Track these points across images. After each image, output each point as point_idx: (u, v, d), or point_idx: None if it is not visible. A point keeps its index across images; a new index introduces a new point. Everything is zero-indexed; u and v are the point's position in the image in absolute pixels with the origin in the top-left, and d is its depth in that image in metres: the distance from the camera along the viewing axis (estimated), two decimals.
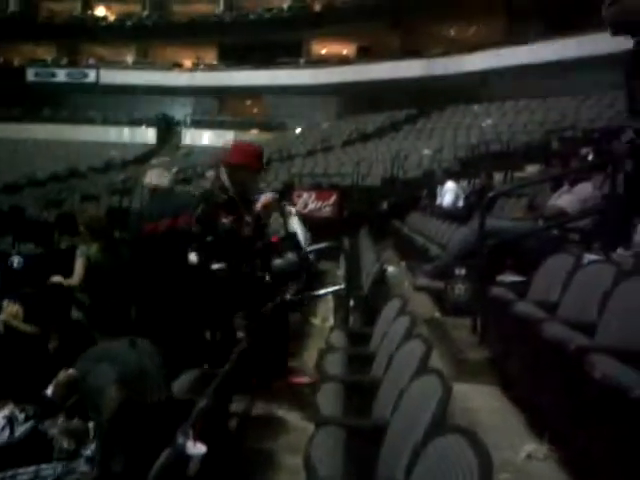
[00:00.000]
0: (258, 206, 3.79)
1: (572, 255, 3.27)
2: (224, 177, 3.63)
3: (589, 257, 3.21)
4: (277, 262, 4.32)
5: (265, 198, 3.94)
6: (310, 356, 4.48)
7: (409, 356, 2.34)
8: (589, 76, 16.89)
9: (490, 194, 5.45)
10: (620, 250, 3.68)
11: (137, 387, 2.35)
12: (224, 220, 3.51)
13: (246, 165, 3.59)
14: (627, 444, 1.80)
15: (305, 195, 12.45)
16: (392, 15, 24.18)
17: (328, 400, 2.43)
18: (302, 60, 28.44)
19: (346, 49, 28.74)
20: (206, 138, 28.92)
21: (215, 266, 3.61)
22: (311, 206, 12.19)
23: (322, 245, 6.14)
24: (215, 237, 3.50)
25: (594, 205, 4.74)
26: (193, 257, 3.66)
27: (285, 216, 5.44)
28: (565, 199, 4.93)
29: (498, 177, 11.80)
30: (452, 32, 25.72)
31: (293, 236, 4.98)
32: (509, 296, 3.19)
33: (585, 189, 4.91)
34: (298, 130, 27.09)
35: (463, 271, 4.91)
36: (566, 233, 4.70)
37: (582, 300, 2.81)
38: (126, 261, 4.14)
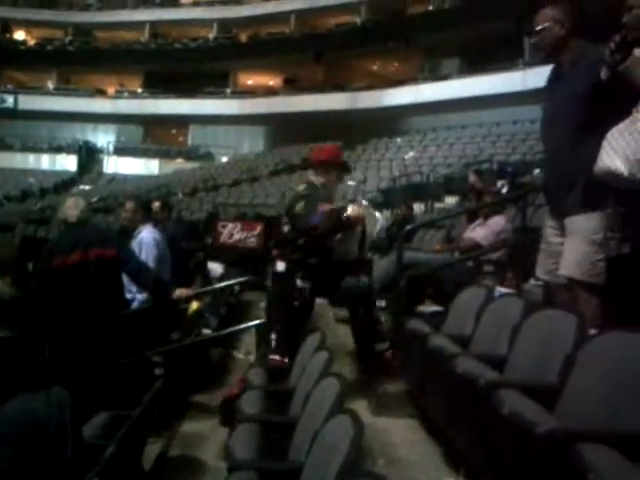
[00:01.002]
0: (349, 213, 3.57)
1: (484, 288, 3.37)
2: (313, 177, 3.68)
3: (500, 290, 3.31)
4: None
5: (355, 209, 3.66)
6: None
7: (325, 394, 2.32)
8: (504, 111, 17.78)
9: (408, 227, 5.57)
10: (532, 281, 3.83)
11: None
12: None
13: (335, 161, 3.62)
14: None
15: (230, 225, 12.33)
16: (315, 49, 24.64)
17: (243, 441, 2.37)
18: (229, 90, 28.49)
19: (272, 80, 29.03)
20: (129, 166, 28.35)
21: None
22: (236, 236, 12.07)
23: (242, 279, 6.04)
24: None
25: (507, 238, 4.92)
26: (281, 266, 3.67)
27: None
28: (479, 232, 5.10)
29: (419, 208, 12.14)
30: (375, 67, 26.47)
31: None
32: (424, 329, 3.24)
33: (498, 222, 5.10)
34: (224, 159, 27.01)
35: (383, 303, 4.97)
36: (480, 265, 4.85)
37: (493, 333, 2.88)
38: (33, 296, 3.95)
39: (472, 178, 8.45)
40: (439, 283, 5.09)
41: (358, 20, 26.13)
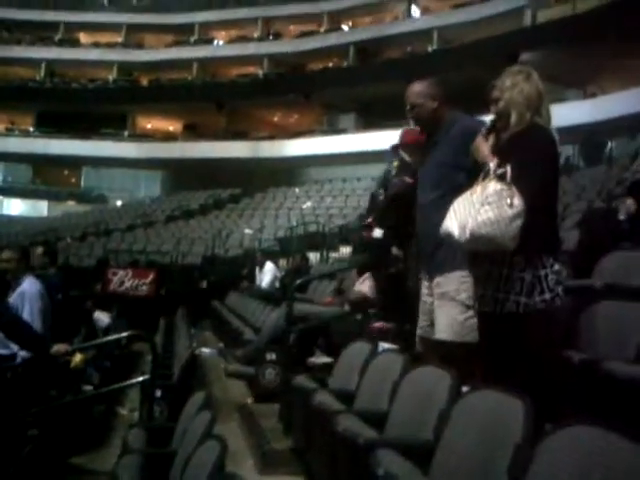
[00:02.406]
0: None
1: (369, 343, 3.43)
2: (405, 155, 3.78)
3: (383, 345, 3.39)
4: None
5: None
6: (111, 454, 4.17)
7: (205, 458, 2.25)
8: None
9: (299, 279, 5.62)
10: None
11: None
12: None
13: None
14: None
15: (121, 273, 11.94)
16: (217, 97, 24.81)
17: None
18: (126, 133, 27.93)
19: (172, 125, 28.82)
20: (16, 207, 26.93)
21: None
22: (127, 284, 11.70)
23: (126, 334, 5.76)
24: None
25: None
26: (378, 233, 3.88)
27: None
28: (367, 284, 5.22)
29: (315, 257, 12.30)
30: (276, 118, 26.97)
31: None
32: (309, 385, 3.24)
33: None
34: (119, 203, 26.27)
35: (274, 356, 4.95)
36: (369, 318, 4.94)
37: (376, 389, 2.92)
38: None
39: (365, 230, 8.70)
40: (329, 335, 5.15)
41: (260, 72, 26.67)
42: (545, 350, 2.38)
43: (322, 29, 26.77)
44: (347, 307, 5.28)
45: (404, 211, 3.38)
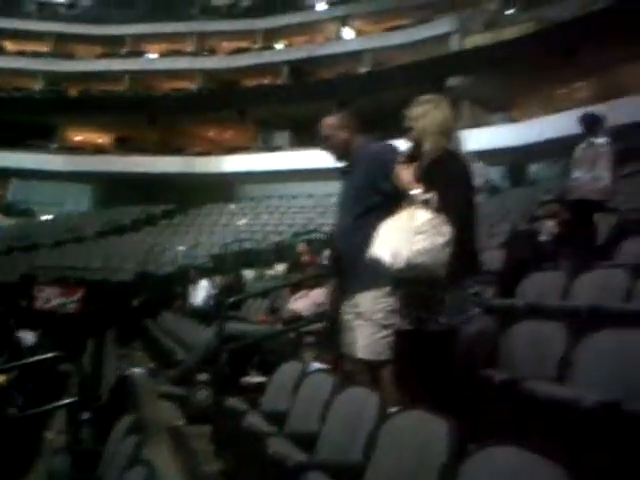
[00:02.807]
0: None
1: (301, 363, 3.46)
2: None
3: (314, 365, 3.42)
4: None
5: None
6: None
7: None
8: (334, 184, 18.74)
9: (232, 298, 5.61)
10: None
11: None
12: None
13: None
14: None
15: (48, 290, 11.55)
16: (150, 110, 24.43)
17: None
18: (54, 145, 27.06)
19: (103, 138, 28.13)
20: None
21: None
22: (54, 302, 11.32)
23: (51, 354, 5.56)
24: None
25: (326, 309, 5.11)
26: None
27: None
28: (301, 303, 5.26)
29: (250, 274, 12.25)
30: (211, 133, 26.78)
31: None
32: (241, 407, 3.24)
33: (320, 294, 5.28)
34: (46, 217, 25.36)
35: (205, 376, 4.90)
36: (302, 336, 4.98)
37: (308, 410, 2.95)
38: None
39: (301, 247, 8.76)
40: (263, 354, 5.14)
41: (194, 87, 26.47)
42: (465, 369, 2.48)
43: (256, 46, 26.93)
44: (280, 325, 5.29)
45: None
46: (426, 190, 2.42)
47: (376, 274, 2.60)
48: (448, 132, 2.54)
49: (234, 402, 3.48)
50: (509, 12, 22.65)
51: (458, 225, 2.36)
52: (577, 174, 4.99)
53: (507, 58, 17.94)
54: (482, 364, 2.96)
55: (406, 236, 2.35)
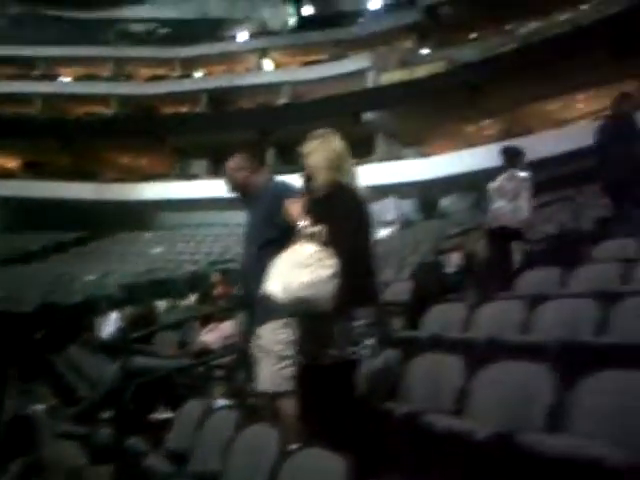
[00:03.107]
0: None
1: (205, 399, 3.39)
2: None
3: (219, 402, 3.36)
4: None
5: None
6: None
7: None
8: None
9: (140, 331, 5.45)
10: None
11: None
12: None
13: None
14: None
15: None
16: (62, 135, 23.65)
17: None
18: None
19: (12, 162, 26.90)
20: None
21: None
22: None
23: None
24: None
25: (236, 342, 5.05)
26: None
27: None
28: (211, 336, 5.18)
29: (163, 305, 11.93)
30: (126, 160, 26.19)
31: None
32: (142, 446, 3.13)
33: (229, 326, 5.23)
34: None
35: (109, 414, 4.71)
36: (212, 371, 4.89)
37: (210, 448, 2.89)
38: None
39: (214, 277, 8.63)
40: (173, 389, 5.00)
41: (109, 112, 25.90)
42: (366, 402, 2.51)
43: (175, 74, 26.75)
44: (189, 359, 5.18)
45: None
46: (315, 223, 2.49)
47: (274, 306, 2.64)
48: (339, 166, 2.61)
49: (136, 441, 3.36)
50: (422, 51, 23.66)
51: (346, 257, 2.40)
52: (499, 204, 5.19)
53: (419, 95, 18.66)
54: (385, 397, 3.01)
55: (292, 269, 2.40)
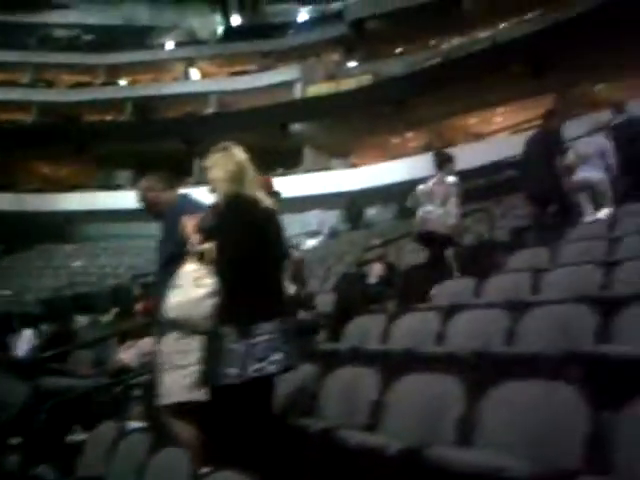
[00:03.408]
0: None
1: (118, 422, 3.27)
2: None
3: (132, 424, 3.25)
4: None
5: None
6: None
7: None
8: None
9: (53, 350, 5.22)
10: None
11: None
12: None
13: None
14: None
15: None
16: None
17: None
18: None
19: None
20: None
21: None
22: None
23: None
24: None
25: (154, 360, 4.91)
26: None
27: None
28: (129, 353, 5.02)
29: (84, 321, 11.52)
30: (46, 170, 25.22)
31: None
32: (50, 475, 2.98)
33: (147, 343, 5.07)
34: None
35: (18, 439, 4.46)
36: (129, 389, 4.72)
37: (122, 474, 2.77)
38: None
39: (137, 291, 8.40)
40: (88, 410, 4.80)
41: (28, 119, 24.92)
42: (271, 420, 2.46)
43: (98, 81, 26.05)
44: (106, 378, 4.99)
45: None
46: (209, 238, 2.46)
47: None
48: (241, 179, 2.58)
49: (45, 469, 3.20)
50: (349, 64, 24.01)
51: (240, 272, 2.37)
52: (428, 207, 5.25)
53: (346, 107, 18.91)
54: (301, 413, 2.98)
55: (171, 290, 2.41)
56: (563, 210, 5.69)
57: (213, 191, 2.63)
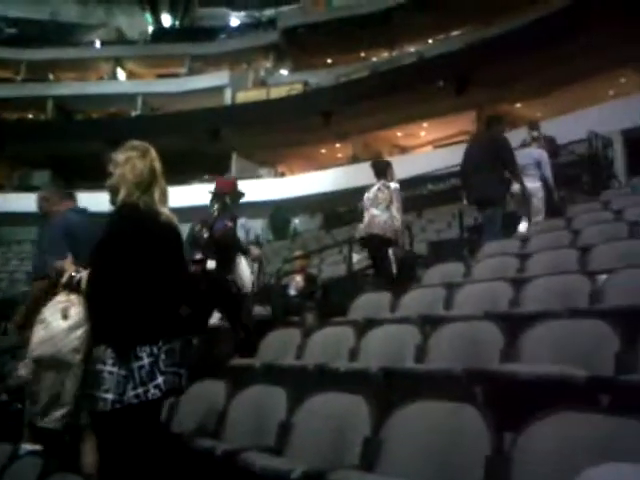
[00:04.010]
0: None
1: (12, 444, 3.07)
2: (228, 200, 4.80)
3: (25, 447, 3.05)
4: None
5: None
6: None
7: None
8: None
9: None
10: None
11: None
12: None
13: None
14: None
15: None
16: None
17: None
18: None
19: None
20: None
21: None
22: None
23: None
24: None
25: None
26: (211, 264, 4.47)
27: None
28: (25, 369, 4.72)
29: None
30: None
31: None
32: None
33: None
34: None
35: None
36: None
37: None
38: None
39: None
40: None
41: None
42: (159, 445, 2.33)
43: (19, 78, 24.93)
44: (5, 395, 4.69)
45: (225, 247, 4.54)
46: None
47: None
48: (147, 185, 2.31)
49: None
50: (281, 72, 24.01)
51: (112, 293, 2.19)
52: (373, 212, 5.44)
53: (276, 115, 18.87)
54: (208, 434, 2.88)
55: (37, 324, 2.28)
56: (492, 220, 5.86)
57: (113, 194, 2.35)
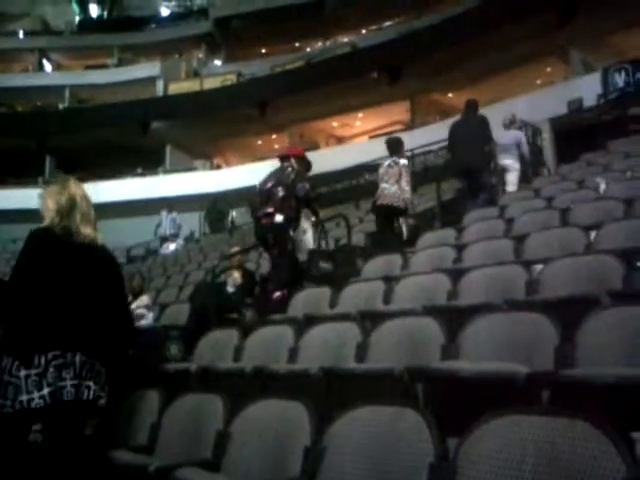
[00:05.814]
0: None
1: None
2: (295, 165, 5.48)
3: None
4: None
5: None
6: None
7: None
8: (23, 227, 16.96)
9: None
10: None
11: None
12: None
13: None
14: None
15: None
16: None
17: None
18: None
19: None
20: None
21: None
22: None
23: None
24: None
25: None
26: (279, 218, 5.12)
27: None
28: None
29: None
30: None
31: None
32: None
33: None
34: None
35: None
36: None
37: None
38: None
39: None
40: None
41: None
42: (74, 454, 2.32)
43: None
44: None
45: (299, 206, 5.30)
46: None
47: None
48: (68, 213, 2.60)
49: None
50: (214, 63, 23.55)
51: (18, 304, 2.40)
52: (384, 185, 6.08)
53: (209, 107, 18.49)
54: (143, 448, 2.73)
55: None
56: (478, 186, 6.75)
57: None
